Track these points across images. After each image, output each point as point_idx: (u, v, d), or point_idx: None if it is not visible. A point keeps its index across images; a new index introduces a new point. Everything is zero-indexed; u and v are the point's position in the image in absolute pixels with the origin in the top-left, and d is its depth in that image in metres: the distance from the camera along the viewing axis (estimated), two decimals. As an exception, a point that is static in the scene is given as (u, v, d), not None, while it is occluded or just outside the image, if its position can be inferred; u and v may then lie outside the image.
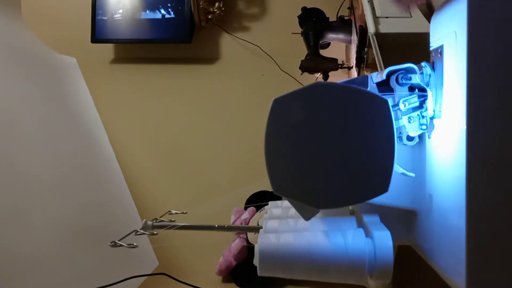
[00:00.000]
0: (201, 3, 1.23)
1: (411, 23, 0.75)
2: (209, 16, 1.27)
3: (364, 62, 0.87)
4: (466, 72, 0.42)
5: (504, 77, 0.42)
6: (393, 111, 0.46)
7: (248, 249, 1.07)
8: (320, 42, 1.05)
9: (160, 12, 1.25)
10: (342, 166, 0.45)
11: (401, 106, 0.51)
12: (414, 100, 0.52)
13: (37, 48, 1.20)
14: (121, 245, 0.59)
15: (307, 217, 0.50)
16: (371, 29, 0.76)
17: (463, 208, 0.43)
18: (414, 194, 0.56)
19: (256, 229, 0.63)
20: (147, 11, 1.26)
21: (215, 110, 1.30)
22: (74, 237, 0.91)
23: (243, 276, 1.07)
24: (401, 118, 0.52)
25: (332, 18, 1.07)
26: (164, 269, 0.86)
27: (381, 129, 0.45)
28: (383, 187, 0.45)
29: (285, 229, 0.58)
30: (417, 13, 0.75)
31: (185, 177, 1.27)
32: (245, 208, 1.13)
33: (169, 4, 1.25)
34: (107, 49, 1.36)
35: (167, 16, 1.25)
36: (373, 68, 0.82)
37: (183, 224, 0.65)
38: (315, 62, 1.01)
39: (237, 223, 1.10)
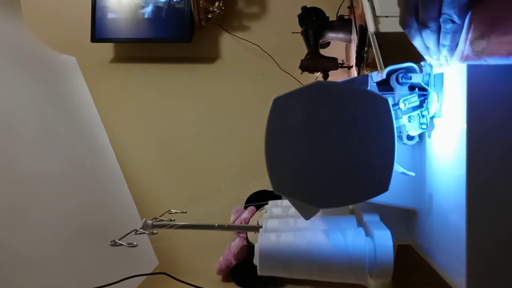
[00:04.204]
0: (201, 3, 1.23)
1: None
2: (209, 16, 1.27)
3: (364, 61, 0.87)
4: (467, 71, 0.42)
5: (504, 76, 0.42)
6: (393, 110, 0.46)
7: (248, 249, 1.07)
8: (320, 41, 1.04)
9: (160, 11, 1.25)
10: (342, 165, 0.45)
11: (401, 105, 0.51)
12: (414, 100, 0.52)
13: (37, 48, 1.20)
14: (121, 244, 0.59)
15: (307, 217, 0.50)
16: (371, 28, 0.76)
17: (463, 207, 0.43)
18: (414, 193, 0.56)
19: (256, 229, 0.63)
20: (147, 11, 1.26)
21: (215, 110, 1.30)
22: (74, 236, 0.91)
23: (243, 276, 1.07)
24: (401, 118, 0.52)
25: (332, 17, 1.07)
26: (164, 269, 0.86)
27: (382, 128, 0.45)
28: (383, 187, 0.45)
29: (285, 228, 0.58)
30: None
31: (185, 177, 1.27)
32: (245, 208, 1.13)
33: (169, 4, 1.25)
34: (107, 49, 1.36)
35: (167, 15, 1.25)
36: (373, 67, 0.82)
37: (183, 223, 0.65)
38: (315, 61, 1.01)
39: (237, 223, 1.10)
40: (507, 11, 0.39)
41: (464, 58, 0.42)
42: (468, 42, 0.41)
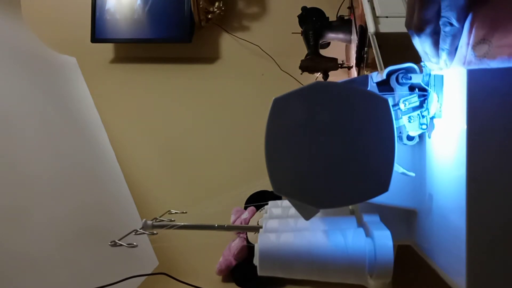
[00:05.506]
0: (201, 3, 1.23)
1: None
2: (209, 16, 1.27)
3: (364, 61, 0.87)
4: (467, 73, 0.42)
5: (504, 78, 0.42)
6: (393, 110, 0.46)
7: (248, 249, 1.07)
8: (320, 41, 1.05)
9: (160, 11, 1.25)
10: (342, 165, 0.45)
11: (401, 105, 0.51)
12: (414, 100, 0.52)
13: (37, 48, 1.20)
14: (121, 245, 0.59)
15: (307, 217, 0.50)
16: (371, 28, 0.76)
17: (463, 208, 0.43)
18: (414, 193, 0.56)
19: (256, 229, 0.63)
20: (147, 11, 1.26)
21: (215, 110, 1.30)
22: (74, 237, 0.91)
23: (243, 276, 1.07)
24: (401, 118, 0.52)
25: (332, 17, 1.07)
26: (164, 269, 0.86)
27: (382, 128, 0.45)
28: (383, 187, 0.45)
29: (285, 229, 0.58)
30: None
31: (185, 177, 1.27)
32: (245, 208, 1.13)
33: (169, 4, 1.25)
34: (107, 49, 1.36)
35: (167, 15, 1.25)
36: (373, 67, 0.82)
37: (183, 223, 0.65)
38: (315, 61, 1.01)
39: (237, 223, 1.10)
40: (507, 13, 0.39)
41: (467, 63, 0.42)
42: (470, 47, 0.41)
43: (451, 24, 0.41)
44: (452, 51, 0.44)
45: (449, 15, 0.41)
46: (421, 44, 0.45)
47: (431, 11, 0.42)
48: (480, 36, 0.40)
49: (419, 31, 0.44)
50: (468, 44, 0.42)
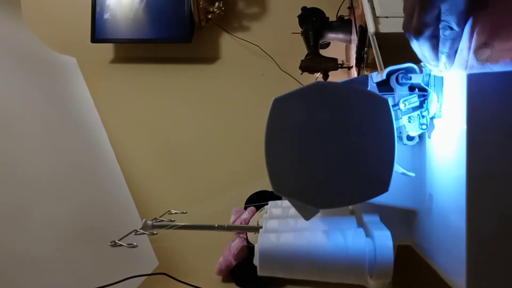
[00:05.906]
0: (201, 3, 1.23)
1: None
2: (209, 16, 1.27)
3: (364, 62, 0.87)
4: (467, 74, 0.42)
5: (504, 79, 0.42)
6: (393, 110, 0.46)
7: (248, 249, 1.07)
8: (320, 41, 1.05)
9: (160, 11, 1.25)
10: (342, 166, 0.45)
11: (401, 106, 0.51)
12: (414, 100, 0.52)
13: (37, 48, 1.20)
14: (121, 245, 0.59)
15: (307, 217, 0.50)
16: (371, 28, 0.76)
17: (463, 208, 0.43)
18: (414, 194, 0.56)
19: (256, 229, 0.63)
20: (147, 11, 1.26)
21: (214, 110, 1.30)
22: (74, 237, 0.91)
23: (243, 276, 1.07)
24: (401, 118, 0.52)
25: (332, 17, 1.07)
26: (164, 269, 0.86)
27: (382, 128, 0.45)
28: (383, 187, 0.45)
29: (285, 229, 0.58)
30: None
31: (185, 177, 1.27)
32: (245, 208, 1.13)
33: (169, 4, 1.25)
34: (107, 49, 1.36)
35: (167, 15, 1.25)
36: (373, 67, 0.82)
37: (183, 223, 0.65)
38: (315, 61, 1.01)
39: (237, 223, 1.10)
40: (508, 17, 0.39)
41: (468, 68, 0.42)
42: (471, 51, 0.41)
43: (451, 28, 0.41)
44: (452, 54, 0.44)
45: (449, 19, 0.41)
46: (420, 47, 0.45)
47: (431, 15, 0.41)
48: (482, 41, 0.40)
49: (418, 34, 0.43)
50: (469, 48, 0.41)
